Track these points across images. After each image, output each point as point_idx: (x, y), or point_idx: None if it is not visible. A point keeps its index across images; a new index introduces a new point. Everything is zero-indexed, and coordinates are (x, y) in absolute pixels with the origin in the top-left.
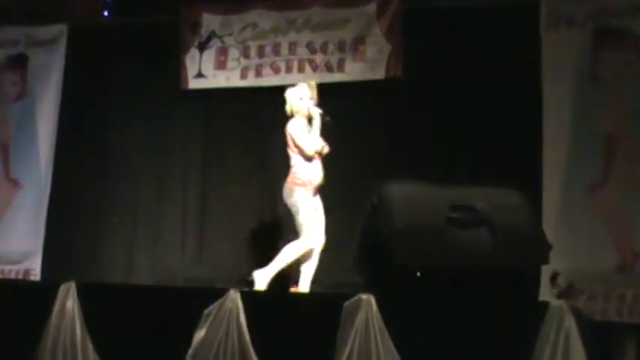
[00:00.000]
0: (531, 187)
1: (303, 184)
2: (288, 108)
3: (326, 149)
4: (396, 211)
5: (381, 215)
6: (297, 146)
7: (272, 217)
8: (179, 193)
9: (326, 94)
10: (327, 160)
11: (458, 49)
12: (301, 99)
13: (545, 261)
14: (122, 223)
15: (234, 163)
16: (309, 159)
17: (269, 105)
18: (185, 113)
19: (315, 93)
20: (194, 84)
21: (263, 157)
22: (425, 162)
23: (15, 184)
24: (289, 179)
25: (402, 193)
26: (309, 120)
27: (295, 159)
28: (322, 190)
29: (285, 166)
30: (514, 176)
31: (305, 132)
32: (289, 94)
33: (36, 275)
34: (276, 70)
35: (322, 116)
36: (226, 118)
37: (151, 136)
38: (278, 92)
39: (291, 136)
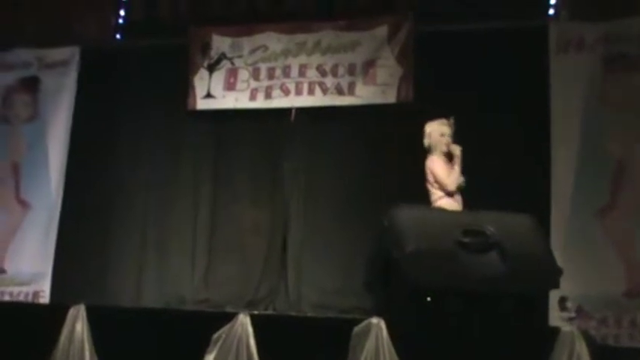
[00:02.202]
0: (540, 212)
1: None
2: (426, 142)
3: (463, 183)
4: (407, 235)
5: (391, 238)
6: (438, 182)
7: (282, 239)
8: (188, 215)
9: (336, 117)
10: (335, 185)
11: (468, 73)
12: (442, 135)
13: (556, 285)
14: (131, 245)
15: (244, 184)
16: (450, 194)
17: (278, 126)
18: (194, 134)
19: (452, 130)
20: (202, 104)
21: (273, 179)
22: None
23: (25, 204)
24: None
25: (413, 217)
26: (447, 155)
27: (437, 194)
28: (331, 215)
29: (296, 188)
30: (523, 200)
31: (445, 168)
32: (430, 129)
33: (45, 297)
34: (286, 92)
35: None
36: (236, 140)
37: (160, 158)
38: (287, 114)
39: (433, 172)
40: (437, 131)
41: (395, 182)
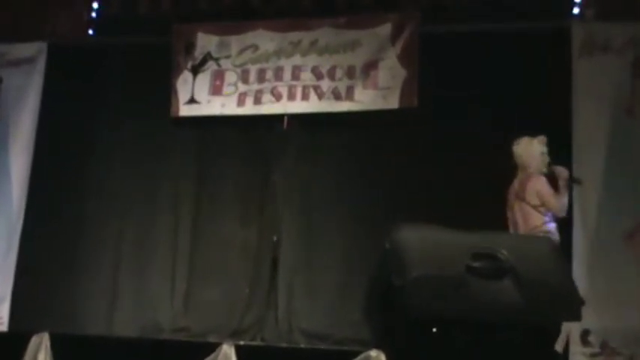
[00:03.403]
0: (560, 235)
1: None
2: (519, 161)
3: None
4: (411, 258)
5: (393, 262)
6: (547, 206)
7: (272, 260)
8: (167, 234)
9: (332, 125)
10: (331, 201)
11: (479, 77)
12: (542, 154)
13: (577, 317)
14: (103, 266)
15: (230, 200)
16: (556, 219)
17: (269, 135)
18: (175, 144)
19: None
20: (185, 111)
21: (262, 194)
22: (442, 203)
23: None
24: None
25: (418, 239)
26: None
27: (541, 219)
28: (327, 234)
29: (288, 204)
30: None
31: (553, 191)
32: (524, 148)
33: (3, 324)
34: (278, 97)
35: (575, 179)
36: (221, 150)
37: (137, 169)
38: (279, 121)
39: (541, 195)
40: (535, 150)
41: (399, 198)
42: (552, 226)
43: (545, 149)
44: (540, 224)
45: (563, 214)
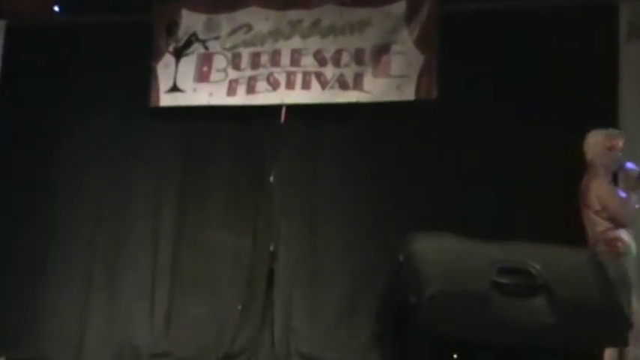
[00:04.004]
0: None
1: (627, 253)
2: (586, 157)
3: None
4: (428, 273)
5: (408, 277)
6: (610, 213)
7: (267, 273)
8: (146, 243)
9: (338, 119)
10: (336, 205)
11: (507, 62)
12: (611, 149)
13: (623, 342)
14: (73, 282)
15: (219, 203)
16: (622, 224)
17: (264, 129)
18: (155, 139)
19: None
20: (167, 100)
21: (257, 197)
22: (464, 209)
23: None
24: (607, 247)
25: (436, 250)
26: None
27: (602, 225)
28: (331, 243)
29: (286, 209)
30: (580, 228)
31: (619, 194)
32: (587, 142)
33: None
34: (274, 85)
35: None
36: (209, 146)
37: (110, 168)
38: (275, 113)
39: (602, 200)
40: (598, 145)
41: (414, 203)
42: (620, 233)
43: (619, 145)
44: (603, 230)
45: (625, 220)
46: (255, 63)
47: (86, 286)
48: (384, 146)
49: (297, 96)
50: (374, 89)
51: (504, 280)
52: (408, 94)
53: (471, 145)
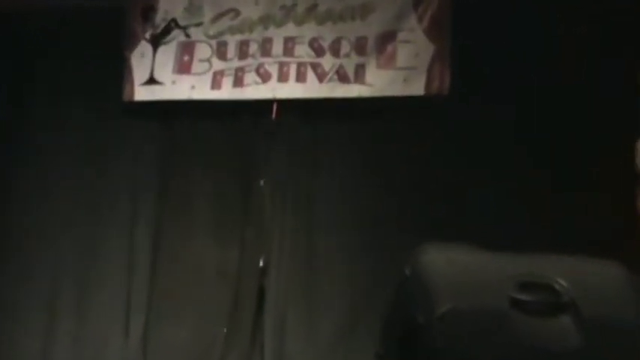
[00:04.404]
0: (635, 255)
1: None
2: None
3: None
4: (439, 288)
5: (416, 294)
6: None
7: (257, 289)
8: (120, 256)
9: (336, 116)
10: (334, 212)
11: (529, 54)
12: None
13: None
14: (37, 298)
15: (203, 210)
16: None
17: (253, 127)
18: (129, 137)
19: None
20: (142, 94)
21: (245, 204)
22: (479, 217)
23: None
24: None
25: (447, 263)
26: None
27: None
28: (328, 255)
29: (279, 217)
30: (607, 239)
31: None
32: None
33: None
34: (265, 78)
35: None
36: (190, 146)
37: (78, 171)
38: (266, 109)
39: None
40: None
41: (422, 210)
42: None
43: None
44: None
45: None
46: (243, 52)
47: (50, 306)
48: (388, 147)
49: (291, 90)
50: (377, 82)
51: (525, 297)
52: (417, 88)
53: (488, 147)
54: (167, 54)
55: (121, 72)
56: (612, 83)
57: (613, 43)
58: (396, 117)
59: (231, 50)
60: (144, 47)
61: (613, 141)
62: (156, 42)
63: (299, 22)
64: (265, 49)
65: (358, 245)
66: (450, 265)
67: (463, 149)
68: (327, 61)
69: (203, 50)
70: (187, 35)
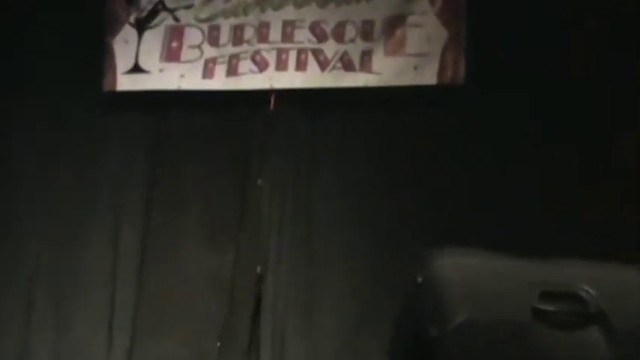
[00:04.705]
0: None
1: None
2: None
3: None
4: (453, 298)
5: (428, 303)
6: None
7: (254, 299)
8: (102, 265)
9: (340, 108)
10: (337, 215)
11: (550, 40)
12: None
13: None
14: (12, 312)
15: (194, 214)
16: None
17: (249, 121)
18: (111, 132)
19: None
20: (126, 83)
21: (240, 205)
22: (496, 218)
23: None
24: None
25: (462, 270)
26: None
27: None
28: (331, 261)
29: (277, 220)
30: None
31: None
32: None
33: None
34: (262, 66)
35: None
36: (180, 142)
37: (55, 170)
38: (263, 100)
39: None
40: None
41: (434, 211)
42: None
43: None
44: None
45: None
46: (237, 38)
47: (25, 320)
48: (397, 141)
49: (290, 79)
50: (385, 71)
51: (548, 307)
52: (429, 77)
53: (505, 138)
54: (153, 40)
55: (101, 60)
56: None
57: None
58: (406, 108)
59: (225, 35)
60: (127, 32)
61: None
62: (141, 26)
63: (299, 5)
64: (262, 34)
65: (363, 250)
66: (466, 272)
67: (477, 143)
68: (330, 48)
69: (193, 35)
70: (176, 19)
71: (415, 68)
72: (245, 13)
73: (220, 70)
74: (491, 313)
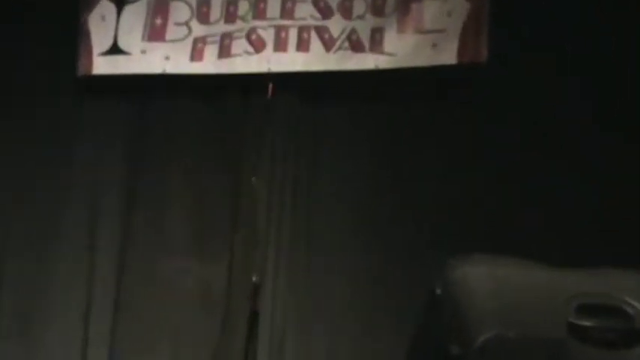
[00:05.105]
0: None
1: None
2: None
3: None
4: (478, 312)
5: (448, 318)
6: None
7: (249, 312)
8: (77, 275)
9: (347, 93)
10: (343, 215)
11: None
12: None
13: None
14: None
15: (181, 218)
16: None
17: (244, 109)
18: (88, 120)
19: None
20: (103, 66)
21: (234, 207)
22: (526, 220)
23: None
24: None
25: (488, 280)
26: None
27: None
28: (336, 268)
29: (275, 223)
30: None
31: None
32: None
33: None
34: (258, 47)
35: None
36: (165, 134)
37: (24, 163)
38: (259, 86)
39: None
40: None
41: (454, 211)
42: None
43: None
44: None
45: None
46: (230, 14)
47: None
48: (412, 130)
49: (291, 61)
50: (399, 50)
51: (587, 323)
52: (448, 56)
53: (531, 127)
54: (135, 16)
55: (75, 39)
56: None
57: None
58: (422, 91)
59: (216, 11)
60: (105, 7)
61: None
62: (120, 1)
63: None
64: (258, 9)
65: (373, 257)
66: (492, 283)
67: (504, 130)
68: (336, 25)
69: (180, 11)
70: None
71: (433, 47)
72: None
73: (211, 51)
74: (522, 329)
